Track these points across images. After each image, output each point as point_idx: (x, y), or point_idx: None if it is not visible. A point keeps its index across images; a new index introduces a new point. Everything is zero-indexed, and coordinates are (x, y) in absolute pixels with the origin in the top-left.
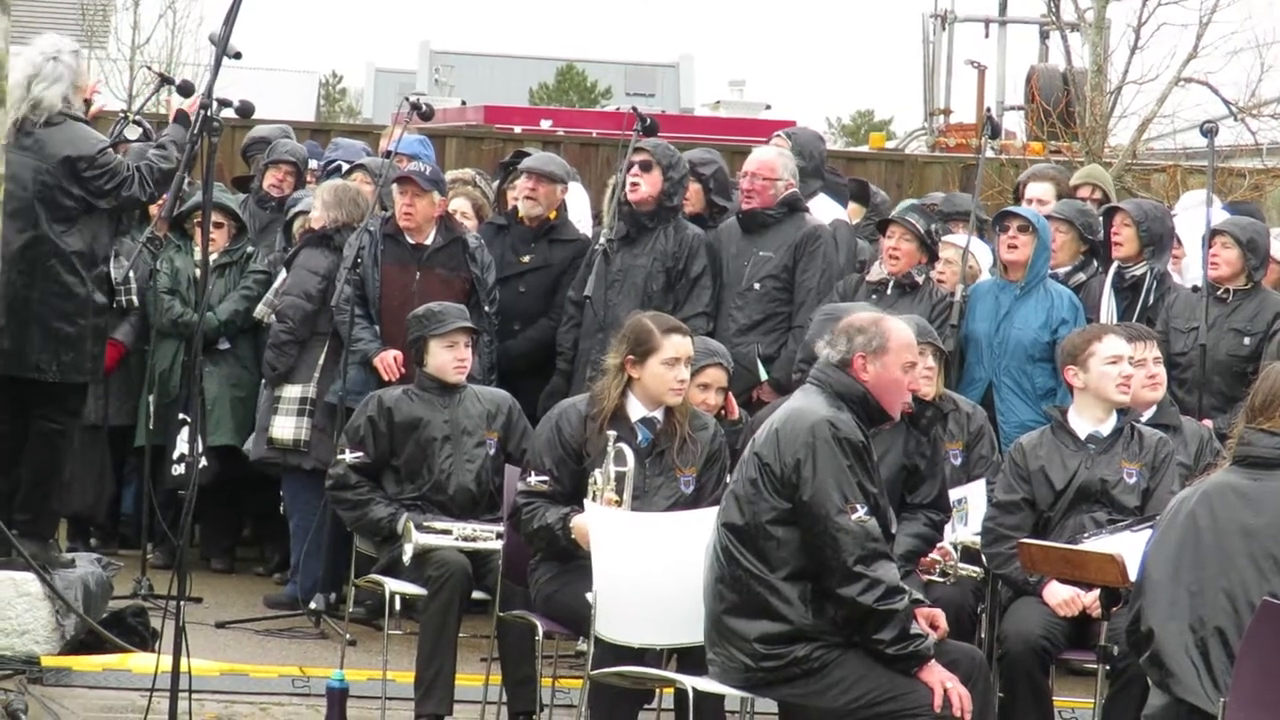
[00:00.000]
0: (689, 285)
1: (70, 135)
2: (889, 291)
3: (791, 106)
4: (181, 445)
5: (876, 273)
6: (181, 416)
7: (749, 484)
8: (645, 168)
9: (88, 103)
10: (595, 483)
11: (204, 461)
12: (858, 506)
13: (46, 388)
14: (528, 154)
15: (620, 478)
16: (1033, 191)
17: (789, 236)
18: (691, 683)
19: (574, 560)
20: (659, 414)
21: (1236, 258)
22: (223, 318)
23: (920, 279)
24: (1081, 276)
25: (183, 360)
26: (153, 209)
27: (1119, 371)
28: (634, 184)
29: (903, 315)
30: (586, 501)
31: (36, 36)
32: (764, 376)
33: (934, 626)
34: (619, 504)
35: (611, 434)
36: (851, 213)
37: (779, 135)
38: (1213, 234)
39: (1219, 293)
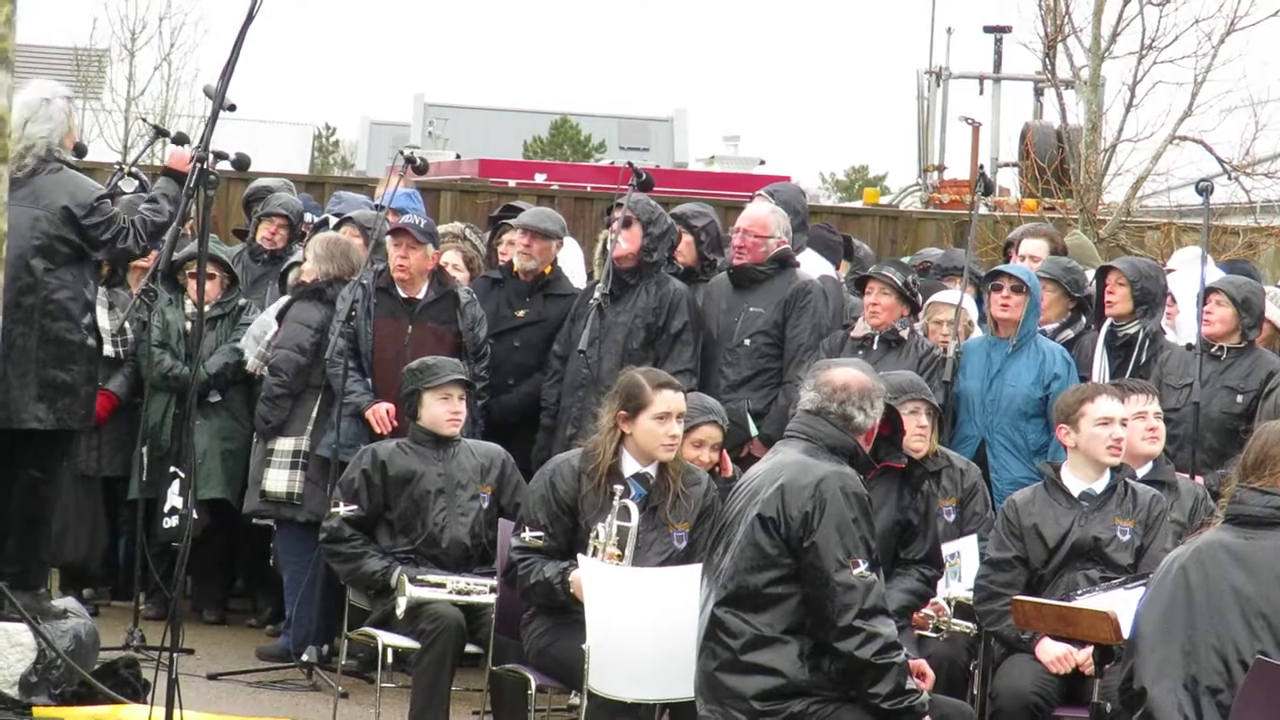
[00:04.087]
0: (670, 341)
1: (68, 183)
2: (875, 347)
3: (786, 162)
4: (173, 498)
5: (861, 328)
6: (172, 469)
7: (750, 547)
8: (625, 224)
9: (79, 150)
10: (597, 537)
11: (195, 515)
12: (859, 561)
13: (34, 437)
14: (517, 208)
15: (623, 533)
16: (1027, 248)
17: (779, 292)
18: None
19: (568, 614)
20: (652, 469)
21: (1231, 316)
22: (212, 370)
23: (904, 332)
24: (1069, 333)
25: (174, 413)
26: (143, 262)
27: (1109, 434)
28: (616, 243)
29: (894, 370)
30: (582, 556)
31: (28, 82)
32: (755, 432)
33: (921, 678)
34: (621, 559)
35: (619, 488)
36: (839, 268)
37: (761, 193)
38: (1208, 292)
39: (1213, 350)
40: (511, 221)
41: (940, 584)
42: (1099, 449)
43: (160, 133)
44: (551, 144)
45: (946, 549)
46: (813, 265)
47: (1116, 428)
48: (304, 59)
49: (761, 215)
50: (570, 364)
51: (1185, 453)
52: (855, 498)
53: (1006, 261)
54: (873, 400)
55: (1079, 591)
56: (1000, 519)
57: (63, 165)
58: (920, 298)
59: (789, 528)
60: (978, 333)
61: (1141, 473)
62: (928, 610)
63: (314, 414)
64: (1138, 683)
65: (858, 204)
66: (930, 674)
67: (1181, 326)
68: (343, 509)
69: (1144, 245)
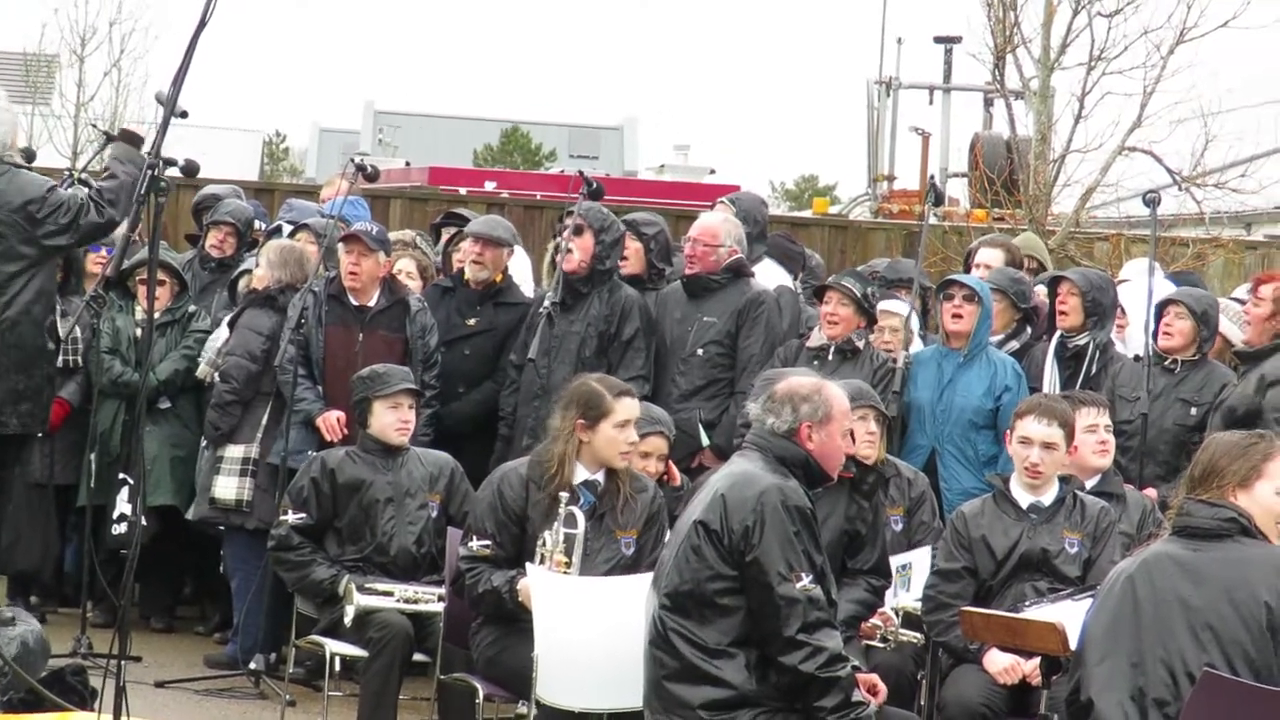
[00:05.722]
0: (621, 348)
1: (18, 183)
2: (830, 357)
3: (736, 171)
4: (122, 505)
5: (816, 338)
6: (121, 476)
7: (691, 553)
8: (577, 231)
9: (28, 156)
10: (544, 545)
11: (144, 521)
12: (803, 575)
13: None
14: (459, 215)
15: (570, 540)
16: (983, 257)
17: (732, 302)
18: None
19: (516, 623)
20: (600, 476)
21: (1191, 329)
22: (162, 377)
23: (860, 344)
24: (1015, 344)
25: (123, 419)
26: (94, 267)
27: (1026, 455)
28: (568, 251)
29: (843, 379)
30: (530, 565)
31: None
32: (706, 442)
33: (873, 692)
34: (568, 566)
35: (565, 495)
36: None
37: (722, 201)
38: (1166, 304)
39: (1167, 363)
40: (465, 229)
41: (888, 594)
42: (1017, 466)
43: (110, 139)
44: (502, 152)
45: (899, 560)
46: (771, 275)
47: (1035, 451)
48: (254, 65)
49: (713, 224)
50: (525, 374)
51: (1137, 465)
52: (796, 511)
53: (967, 273)
54: (794, 404)
55: (1027, 603)
56: (949, 530)
57: (10, 167)
58: (877, 310)
59: (730, 539)
60: (917, 342)
61: (1090, 484)
62: (875, 620)
63: (264, 421)
64: (1084, 694)
65: (807, 213)
66: (883, 689)
67: (1131, 339)
68: (291, 517)
69: (1093, 256)
